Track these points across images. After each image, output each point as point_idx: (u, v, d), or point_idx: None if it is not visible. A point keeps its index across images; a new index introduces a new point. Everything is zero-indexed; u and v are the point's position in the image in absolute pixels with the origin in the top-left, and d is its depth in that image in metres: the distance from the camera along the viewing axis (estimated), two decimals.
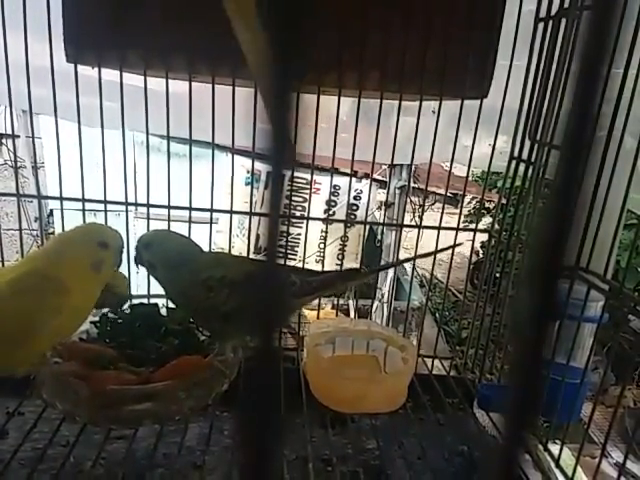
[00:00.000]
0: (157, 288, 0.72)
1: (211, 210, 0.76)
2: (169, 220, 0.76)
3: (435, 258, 0.79)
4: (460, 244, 0.75)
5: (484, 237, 0.87)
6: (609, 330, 0.72)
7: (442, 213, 0.78)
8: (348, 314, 2.71)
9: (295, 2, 0.13)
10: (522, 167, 0.74)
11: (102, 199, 0.74)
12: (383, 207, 2.87)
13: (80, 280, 0.55)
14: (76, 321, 0.58)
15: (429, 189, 0.87)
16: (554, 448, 0.66)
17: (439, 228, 0.78)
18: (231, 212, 0.77)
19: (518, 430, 0.14)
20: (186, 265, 0.61)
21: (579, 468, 0.62)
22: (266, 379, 0.15)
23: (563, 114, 0.13)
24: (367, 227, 0.90)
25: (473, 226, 0.82)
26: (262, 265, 0.14)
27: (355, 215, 2.71)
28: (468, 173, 0.83)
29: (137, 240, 0.63)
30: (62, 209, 0.74)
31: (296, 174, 0.71)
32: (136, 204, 0.78)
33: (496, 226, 0.81)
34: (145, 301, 0.74)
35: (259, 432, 0.16)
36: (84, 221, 0.75)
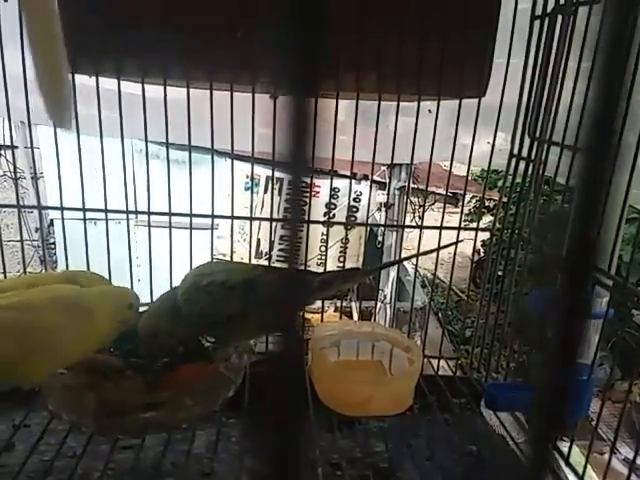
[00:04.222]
0: (158, 296, 0.72)
1: (212, 216, 0.76)
2: (170, 227, 0.75)
3: (438, 258, 0.79)
4: (461, 241, 0.75)
5: (485, 235, 0.87)
6: (614, 325, 0.72)
7: (443, 213, 0.78)
8: (351, 316, 2.71)
9: (313, 11, 0.13)
10: (522, 164, 0.74)
11: (102, 208, 0.74)
12: (383, 208, 2.87)
13: (106, 328, 0.59)
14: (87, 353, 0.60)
15: (429, 189, 0.87)
16: (562, 445, 0.65)
17: (441, 228, 0.78)
18: (232, 217, 0.77)
19: (547, 436, 0.14)
20: (187, 278, 0.62)
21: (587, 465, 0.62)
22: (291, 382, 0.15)
23: (587, 112, 0.12)
24: (368, 229, 0.90)
25: (474, 225, 0.82)
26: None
27: (355, 217, 2.70)
28: (468, 172, 0.83)
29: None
30: (63, 219, 0.74)
31: (283, 177, 0.71)
32: (137, 212, 0.78)
33: (497, 224, 0.81)
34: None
35: (282, 436, 0.15)
36: (85, 230, 0.74)
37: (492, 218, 0.94)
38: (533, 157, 0.72)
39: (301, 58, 0.13)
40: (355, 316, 2.72)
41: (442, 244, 0.76)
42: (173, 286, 0.65)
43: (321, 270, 0.81)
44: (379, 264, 2.36)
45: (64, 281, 0.60)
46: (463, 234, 0.78)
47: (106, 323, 0.58)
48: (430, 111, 0.77)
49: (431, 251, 0.73)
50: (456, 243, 0.75)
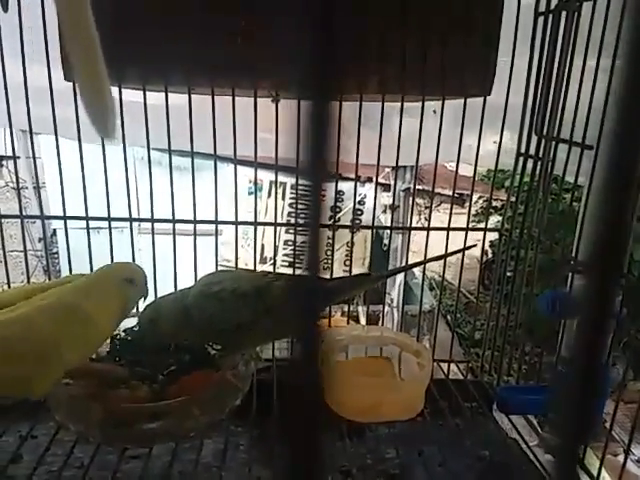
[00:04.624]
0: None
1: (216, 222, 0.76)
2: (174, 234, 0.75)
3: (445, 260, 0.78)
4: (474, 246, 0.74)
5: (493, 236, 0.86)
6: (626, 325, 0.71)
7: (450, 214, 0.77)
8: (358, 320, 2.70)
9: (332, 15, 0.12)
10: (530, 163, 0.73)
11: (105, 216, 0.74)
12: (389, 210, 2.86)
13: (106, 313, 0.57)
14: (95, 349, 0.60)
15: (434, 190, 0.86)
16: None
17: (448, 229, 0.77)
18: (236, 223, 0.76)
19: (574, 440, 0.13)
20: (197, 285, 0.61)
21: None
22: (311, 390, 0.15)
23: (616, 108, 0.12)
24: (373, 231, 0.89)
25: (482, 225, 0.81)
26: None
27: (360, 220, 2.69)
28: (475, 172, 0.82)
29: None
30: (66, 228, 0.73)
31: (300, 181, 0.70)
32: (140, 219, 0.78)
33: (506, 224, 0.80)
34: None
35: (301, 446, 0.15)
36: (89, 239, 0.74)
37: (500, 218, 0.93)
38: (541, 155, 0.71)
39: (320, 62, 0.13)
40: (362, 320, 2.71)
41: (449, 245, 0.75)
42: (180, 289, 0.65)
43: (328, 274, 0.80)
44: (387, 269, 2.34)
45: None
46: (471, 236, 0.77)
47: (104, 314, 0.57)
48: (435, 112, 0.77)
49: (441, 257, 0.72)
50: (464, 250, 0.74)
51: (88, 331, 0.55)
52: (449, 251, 0.74)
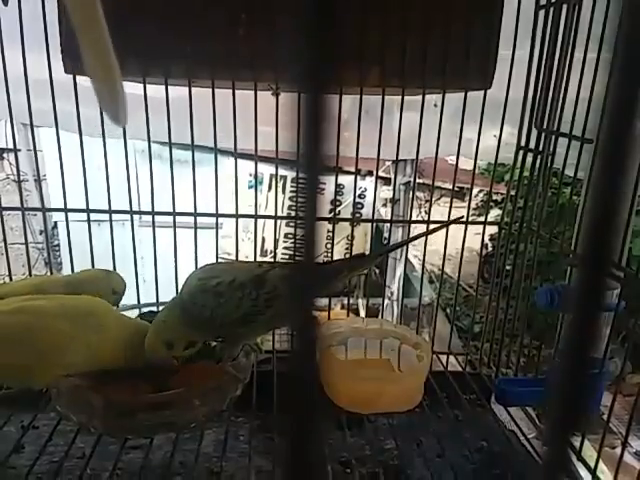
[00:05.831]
0: (164, 296, 0.71)
1: (216, 215, 0.76)
2: (174, 227, 0.75)
3: (445, 253, 0.78)
4: (461, 218, 0.74)
5: (493, 230, 0.86)
6: (624, 318, 0.71)
7: (450, 207, 0.77)
8: (357, 313, 2.70)
9: (330, 8, 0.12)
10: (529, 157, 0.73)
11: (106, 209, 0.74)
12: (389, 204, 2.86)
13: (115, 341, 0.58)
14: (93, 364, 0.59)
15: (435, 184, 0.86)
16: (574, 440, 0.65)
17: (448, 223, 0.77)
18: (237, 216, 0.77)
19: (564, 433, 0.13)
20: (190, 281, 0.62)
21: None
22: (307, 380, 0.15)
23: (610, 104, 0.12)
24: (373, 225, 0.89)
25: (480, 219, 0.81)
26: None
27: (360, 213, 2.69)
28: (475, 166, 0.82)
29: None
30: (67, 221, 0.74)
31: (300, 175, 0.70)
32: (141, 212, 0.78)
33: (506, 218, 0.80)
34: (154, 309, 0.73)
35: (303, 434, 0.15)
36: (90, 232, 0.74)
37: (499, 212, 0.94)
38: (541, 149, 0.71)
39: (316, 53, 0.13)
40: (362, 313, 2.71)
41: (449, 239, 0.75)
42: (178, 290, 0.64)
43: None
44: (387, 262, 2.34)
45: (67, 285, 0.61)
46: (470, 229, 0.78)
47: (120, 341, 0.57)
48: (436, 105, 0.76)
49: (440, 227, 0.71)
50: (466, 224, 0.74)
51: (101, 346, 0.56)
52: (449, 243, 0.74)
